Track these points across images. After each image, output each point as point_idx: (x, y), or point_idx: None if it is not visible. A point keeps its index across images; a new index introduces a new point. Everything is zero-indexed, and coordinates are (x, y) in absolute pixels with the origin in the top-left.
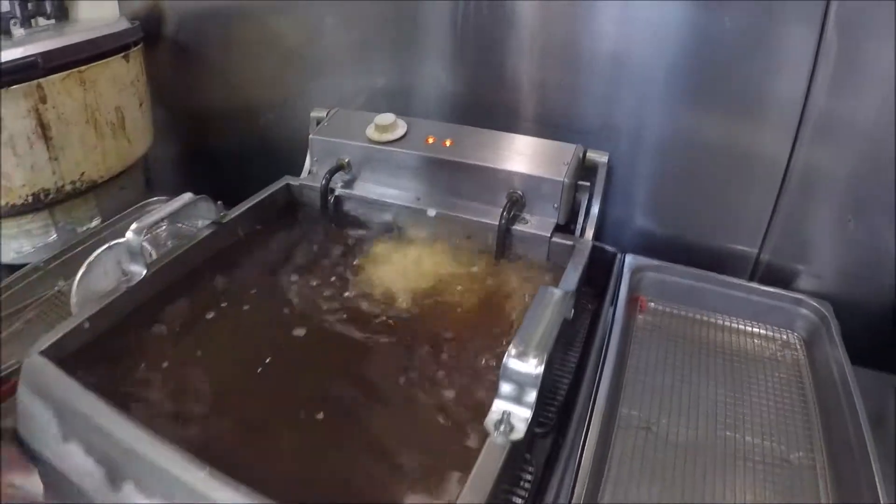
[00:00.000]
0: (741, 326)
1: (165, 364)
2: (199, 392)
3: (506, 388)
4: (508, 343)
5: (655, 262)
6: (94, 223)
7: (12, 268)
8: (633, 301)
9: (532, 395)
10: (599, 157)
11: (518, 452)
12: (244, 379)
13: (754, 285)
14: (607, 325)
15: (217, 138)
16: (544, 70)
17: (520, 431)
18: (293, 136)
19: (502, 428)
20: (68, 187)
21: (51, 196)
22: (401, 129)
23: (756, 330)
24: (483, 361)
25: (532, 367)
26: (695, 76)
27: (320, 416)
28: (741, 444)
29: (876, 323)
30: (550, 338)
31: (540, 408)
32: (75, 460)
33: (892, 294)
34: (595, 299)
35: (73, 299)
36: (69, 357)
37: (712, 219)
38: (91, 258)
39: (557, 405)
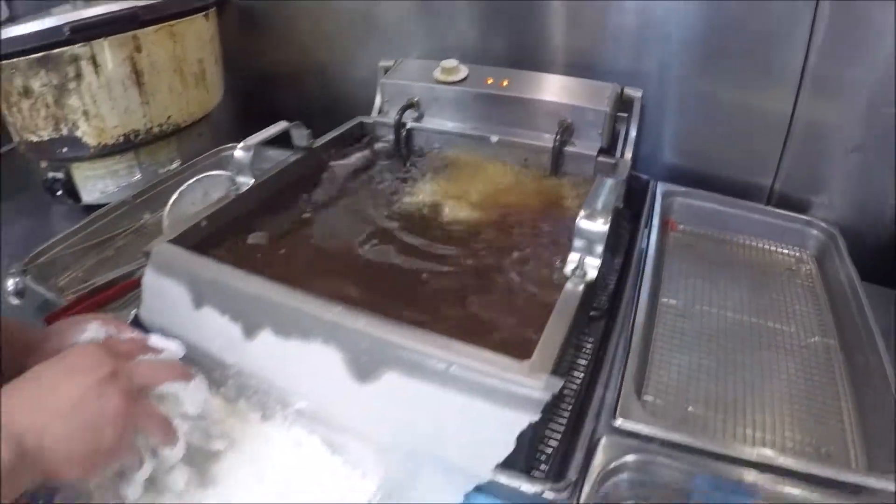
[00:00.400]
0: (759, 245)
1: (276, 250)
2: (310, 267)
3: (578, 243)
4: (568, 232)
5: (683, 189)
6: (174, 165)
7: (93, 208)
8: (664, 223)
9: (599, 248)
10: (635, 92)
11: (589, 295)
12: (349, 257)
13: (769, 208)
14: (644, 240)
15: (280, 94)
16: (577, 26)
17: (591, 276)
18: (354, 90)
19: (578, 272)
20: (155, 130)
21: (140, 137)
22: (463, 72)
23: (772, 248)
24: (548, 246)
25: (599, 225)
26: (712, 25)
27: (424, 276)
28: (765, 329)
29: (880, 245)
30: (610, 205)
31: (595, 291)
32: (209, 323)
33: (894, 218)
34: (631, 222)
35: (166, 222)
36: (190, 248)
37: (730, 153)
38: (183, 187)
39: (608, 296)
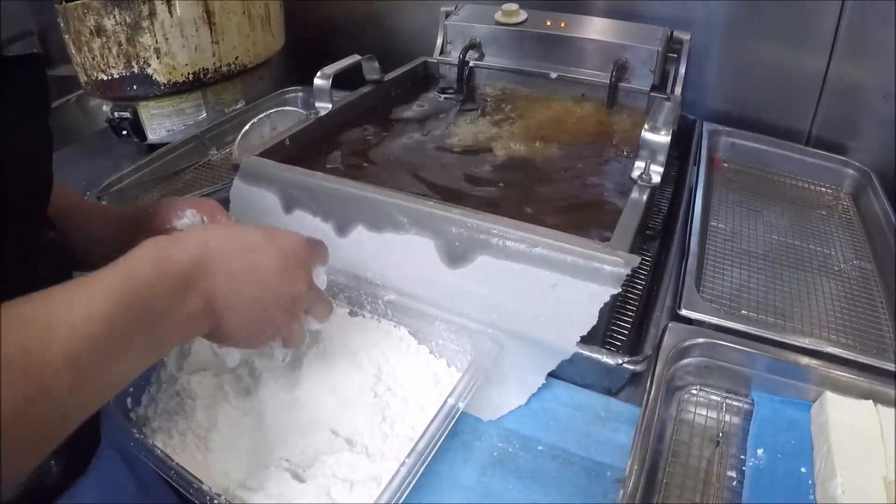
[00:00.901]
0: (800, 183)
1: (358, 164)
2: (393, 176)
3: (644, 152)
4: (629, 152)
5: (727, 129)
6: (239, 105)
7: (158, 147)
8: (711, 159)
9: (662, 157)
10: (683, 35)
11: (653, 199)
12: (429, 169)
13: (808, 148)
14: (693, 175)
15: (339, 42)
16: None
17: (656, 181)
18: (413, 37)
19: (644, 177)
20: (224, 69)
21: (209, 76)
22: (522, 15)
23: (811, 186)
24: (612, 162)
25: (661, 136)
26: None
27: (502, 183)
28: (806, 251)
29: None
30: (669, 122)
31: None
32: (300, 226)
33: None
34: (678, 159)
35: (236, 152)
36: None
37: (770, 99)
38: (254, 120)
39: (662, 218)
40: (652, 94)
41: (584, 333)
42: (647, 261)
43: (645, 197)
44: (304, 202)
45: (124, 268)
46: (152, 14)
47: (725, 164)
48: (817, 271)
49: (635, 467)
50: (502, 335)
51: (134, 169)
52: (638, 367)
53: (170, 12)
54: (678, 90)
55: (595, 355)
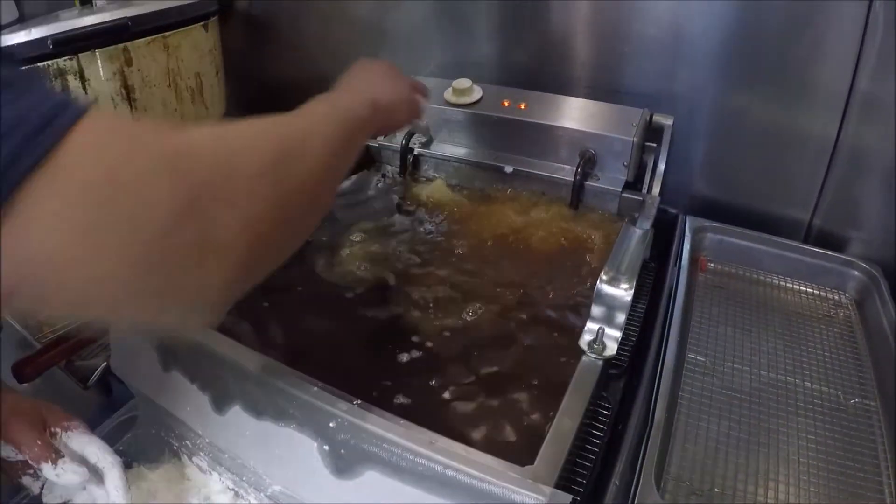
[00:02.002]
0: (795, 286)
1: (260, 296)
2: (296, 321)
3: (597, 310)
4: (589, 275)
5: (715, 224)
6: None
7: None
8: (694, 261)
9: (621, 318)
10: (665, 119)
11: (607, 371)
12: (340, 309)
13: (807, 247)
14: (673, 280)
15: (285, 109)
16: (604, 42)
17: (611, 351)
18: None
19: (596, 347)
20: None
21: None
22: (477, 93)
23: (809, 290)
24: (564, 303)
25: (623, 291)
26: (748, 49)
27: (416, 339)
28: (800, 389)
29: None
30: (636, 267)
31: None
32: (178, 389)
33: None
34: (657, 259)
35: None
36: None
37: (766, 186)
38: None
39: (630, 349)
40: (624, 195)
41: None
42: (605, 416)
43: (594, 378)
44: (180, 363)
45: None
46: (65, 91)
47: (711, 265)
48: (812, 416)
49: None
50: None
51: None
52: None
53: (84, 89)
54: (656, 188)
55: None
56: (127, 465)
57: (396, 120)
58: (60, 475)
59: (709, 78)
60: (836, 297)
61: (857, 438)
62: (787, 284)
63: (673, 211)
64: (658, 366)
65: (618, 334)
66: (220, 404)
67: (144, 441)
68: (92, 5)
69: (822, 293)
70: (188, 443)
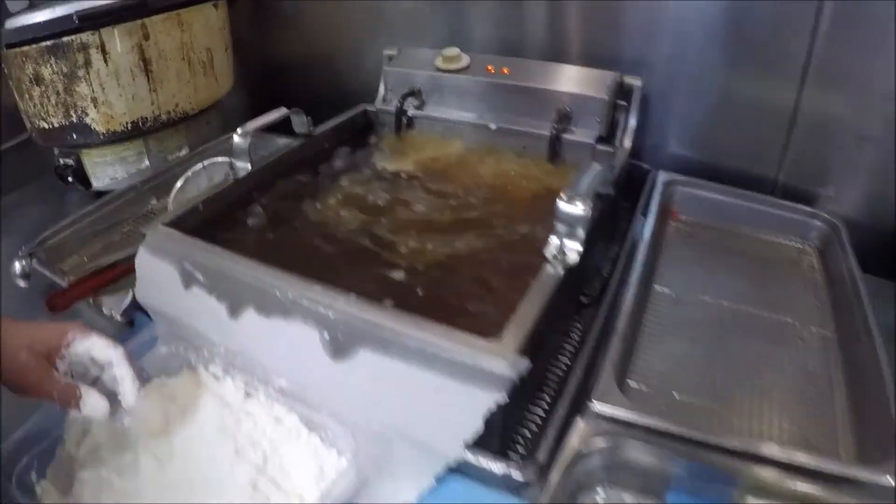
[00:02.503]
0: (762, 236)
1: (269, 232)
2: (300, 247)
3: (559, 226)
4: None
5: (685, 178)
6: (183, 152)
7: (103, 194)
8: (665, 212)
9: (581, 232)
10: (634, 80)
11: (572, 279)
12: (338, 238)
13: (772, 199)
14: (640, 224)
15: (291, 84)
16: (584, 14)
17: (572, 260)
18: (364, 80)
19: (558, 256)
20: (163, 117)
21: (148, 124)
22: (464, 60)
23: (775, 239)
24: (536, 231)
25: (578, 208)
26: (719, 15)
27: (405, 250)
28: (761, 319)
29: (885, 238)
30: (592, 190)
31: (580, 277)
32: (198, 303)
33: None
34: (632, 212)
35: (170, 208)
36: (187, 231)
37: (736, 145)
38: (189, 173)
39: (601, 283)
40: (598, 146)
41: (469, 441)
42: (573, 338)
43: (555, 281)
44: (200, 280)
45: None
46: (87, 63)
47: (683, 216)
48: (771, 342)
49: None
50: (389, 433)
51: (69, 223)
52: (528, 477)
53: (105, 61)
54: (627, 142)
55: (481, 464)
56: (146, 380)
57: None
58: (86, 410)
59: (681, 48)
60: (801, 246)
61: (812, 362)
62: (755, 234)
63: (646, 167)
64: (623, 294)
65: (578, 246)
66: (235, 309)
67: (164, 358)
68: None
69: (787, 242)
70: (205, 352)
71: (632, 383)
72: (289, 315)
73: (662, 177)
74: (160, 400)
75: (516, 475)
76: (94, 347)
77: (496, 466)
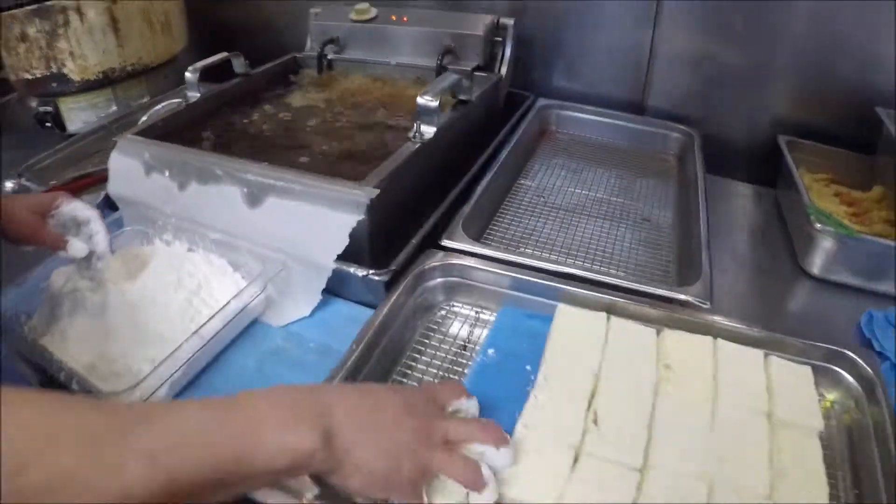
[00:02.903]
0: (630, 147)
1: (204, 135)
2: (232, 144)
3: (420, 116)
4: None
5: (560, 102)
6: (144, 100)
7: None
8: (542, 131)
9: (434, 118)
10: (508, 21)
11: (426, 151)
12: (261, 135)
13: (639, 117)
14: (505, 134)
15: (235, 41)
16: None
17: (428, 136)
18: (294, 35)
19: (416, 136)
20: (129, 69)
21: (116, 74)
22: (373, 12)
23: (641, 150)
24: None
25: (430, 100)
26: None
27: (308, 138)
28: (612, 203)
29: (731, 145)
30: (443, 89)
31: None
32: (155, 185)
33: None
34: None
35: None
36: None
37: (608, 78)
38: (150, 111)
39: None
40: (475, 72)
41: (339, 252)
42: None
43: (411, 150)
44: (157, 167)
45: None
46: (66, 23)
47: (558, 134)
48: (618, 220)
49: (354, 347)
50: (288, 259)
51: (51, 153)
52: (382, 279)
53: (81, 21)
54: (503, 69)
55: (347, 268)
56: (112, 252)
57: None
58: (70, 251)
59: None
60: (662, 155)
61: (652, 238)
62: (624, 146)
63: (526, 94)
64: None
65: (432, 129)
66: (183, 185)
67: (128, 237)
68: None
69: (651, 152)
70: (159, 224)
71: (485, 242)
72: (220, 181)
73: (540, 102)
74: (124, 259)
75: (373, 277)
76: (77, 209)
77: (360, 270)
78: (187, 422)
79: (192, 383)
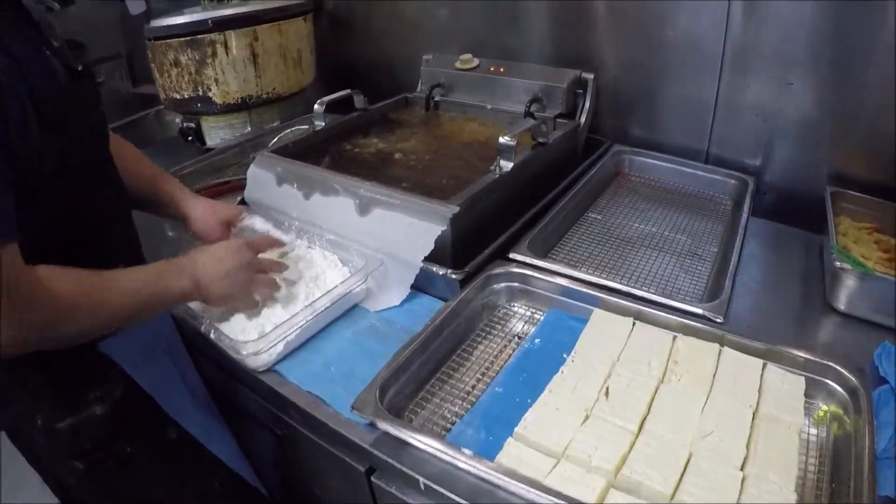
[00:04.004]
0: (691, 190)
1: (328, 157)
2: (351, 165)
3: (500, 152)
4: None
5: (634, 149)
6: (275, 123)
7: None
8: (617, 173)
9: (510, 155)
10: (588, 75)
11: (503, 182)
12: (376, 162)
13: (700, 164)
14: (582, 174)
15: (355, 78)
16: (563, 27)
17: (506, 169)
18: (408, 76)
19: (497, 168)
20: (264, 96)
21: (252, 100)
22: (475, 62)
23: (701, 194)
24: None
25: (508, 140)
26: (646, 26)
27: (412, 164)
28: (666, 238)
29: (788, 193)
30: (521, 131)
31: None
32: (285, 193)
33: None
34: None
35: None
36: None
37: (677, 126)
38: (281, 134)
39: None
40: (557, 119)
41: (427, 254)
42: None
43: (490, 179)
44: (288, 179)
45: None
46: (214, 54)
47: (630, 177)
48: (667, 251)
49: (429, 325)
50: (387, 258)
51: (193, 163)
52: (458, 277)
53: (227, 53)
54: (583, 118)
55: (431, 267)
56: None
57: (226, 300)
58: None
59: (628, 52)
60: (719, 198)
61: (693, 267)
62: (686, 189)
63: (604, 140)
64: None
65: (509, 164)
66: (308, 195)
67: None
68: (226, 2)
69: (710, 195)
70: (286, 224)
71: (548, 252)
72: (338, 194)
73: (615, 147)
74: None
75: (451, 275)
76: (256, 223)
77: (441, 269)
78: (136, 283)
79: (303, 345)
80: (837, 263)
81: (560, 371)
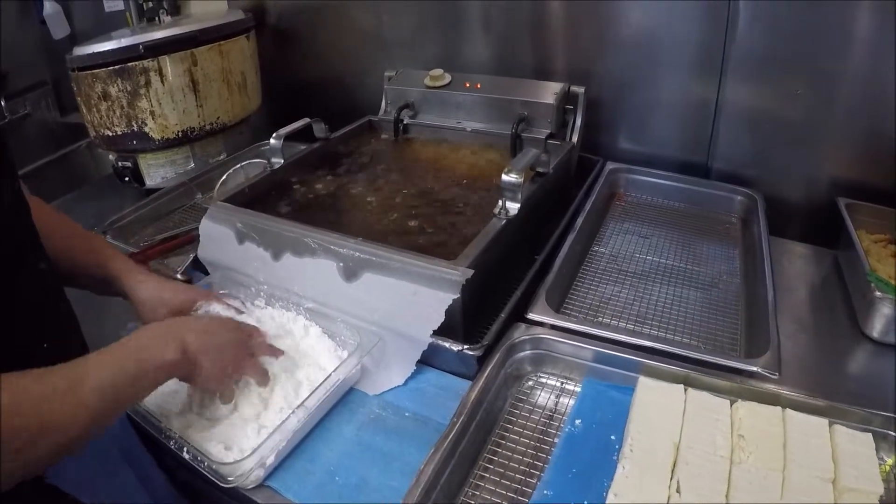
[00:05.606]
0: (695, 210)
1: (293, 205)
2: (321, 214)
3: (504, 192)
4: None
5: (628, 166)
6: (221, 157)
7: (153, 191)
8: (612, 194)
9: (518, 195)
10: (578, 89)
11: (513, 228)
12: (351, 206)
13: (703, 180)
14: (581, 201)
15: (307, 100)
16: (543, 37)
17: (513, 213)
18: (368, 95)
19: (502, 212)
20: (207, 127)
21: (195, 133)
22: (447, 78)
23: (705, 212)
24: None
25: (514, 177)
26: (645, 33)
27: (396, 214)
28: (682, 270)
29: (792, 206)
30: (526, 165)
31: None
32: (249, 253)
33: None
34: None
35: (216, 196)
36: (237, 205)
37: (677, 141)
38: (230, 171)
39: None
40: (548, 140)
41: (436, 328)
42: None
43: (498, 227)
44: (251, 236)
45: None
46: (148, 83)
47: (627, 197)
48: (687, 286)
49: (455, 420)
50: (383, 331)
51: (133, 209)
52: (475, 353)
53: (162, 82)
54: (574, 137)
55: (443, 343)
56: None
57: (212, 381)
58: None
59: (620, 64)
60: (726, 217)
61: (720, 302)
62: (689, 209)
63: (595, 158)
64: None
65: (516, 206)
66: (277, 255)
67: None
68: (157, 22)
69: (715, 214)
70: (252, 289)
71: (567, 312)
72: (315, 254)
73: (609, 166)
74: None
75: (468, 352)
76: (215, 308)
77: (454, 345)
78: (110, 367)
79: (297, 449)
80: (878, 294)
81: (619, 466)
